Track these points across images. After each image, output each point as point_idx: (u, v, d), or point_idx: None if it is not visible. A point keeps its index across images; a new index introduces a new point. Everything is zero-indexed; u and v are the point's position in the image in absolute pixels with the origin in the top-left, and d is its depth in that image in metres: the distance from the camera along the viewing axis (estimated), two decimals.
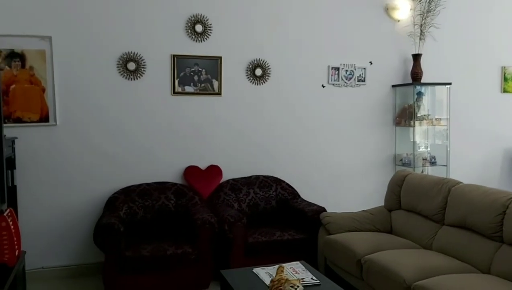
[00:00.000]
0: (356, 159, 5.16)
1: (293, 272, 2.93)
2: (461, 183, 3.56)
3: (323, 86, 4.97)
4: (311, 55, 4.89)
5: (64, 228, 4.25)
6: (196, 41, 4.49)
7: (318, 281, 2.80)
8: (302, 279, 2.81)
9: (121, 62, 4.30)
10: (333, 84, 5.00)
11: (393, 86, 5.21)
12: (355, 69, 5.06)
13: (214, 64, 4.56)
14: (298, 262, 3.13)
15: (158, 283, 3.74)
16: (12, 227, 3.09)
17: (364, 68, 5.09)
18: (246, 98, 4.72)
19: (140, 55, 4.34)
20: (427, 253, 3.31)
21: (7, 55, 4.00)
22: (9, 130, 3.97)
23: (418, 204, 3.77)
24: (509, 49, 5.71)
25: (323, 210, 4.22)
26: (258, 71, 4.71)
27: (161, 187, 4.37)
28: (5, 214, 3.01)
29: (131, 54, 4.32)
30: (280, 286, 2.45)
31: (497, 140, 5.74)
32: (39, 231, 4.18)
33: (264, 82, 4.75)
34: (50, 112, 4.15)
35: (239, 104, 4.70)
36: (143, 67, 4.36)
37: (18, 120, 4.07)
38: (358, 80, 5.09)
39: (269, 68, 4.75)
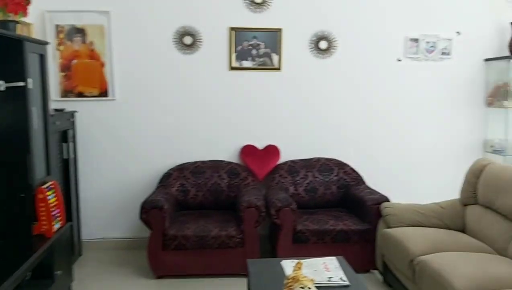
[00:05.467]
0: (437, 143, 4.54)
1: (324, 269, 2.60)
2: None
3: (399, 60, 4.41)
4: (385, 24, 4.34)
5: (122, 201, 4.33)
6: (255, 12, 4.22)
7: (347, 283, 2.44)
8: (330, 278, 2.48)
9: (177, 36, 4.19)
10: (411, 58, 4.41)
11: (486, 60, 4.46)
12: (438, 40, 4.40)
13: (274, 37, 4.26)
14: (334, 257, 2.78)
15: (200, 263, 3.65)
16: (54, 199, 3.17)
17: (450, 40, 4.41)
18: (309, 74, 4.35)
19: (196, 28, 4.20)
20: (497, 260, 2.75)
21: (69, 31, 4.10)
22: (71, 104, 4.12)
23: (497, 200, 3.16)
24: None
25: (386, 199, 3.76)
26: (323, 44, 4.30)
27: (215, 165, 4.24)
28: (45, 186, 3.08)
29: (188, 28, 4.19)
30: (292, 285, 2.16)
31: None
32: (99, 203, 4.31)
33: (330, 56, 4.33)
34: (109, 87, 4.20)
35: (300, 80, 4.35)
36: (199, 41, 4.21)
37: (80, 94, 4.19)
38: (442, 54, 4.42)
39: (335, 41, 4.31)
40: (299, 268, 2.29)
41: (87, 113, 4.19)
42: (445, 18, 4.39)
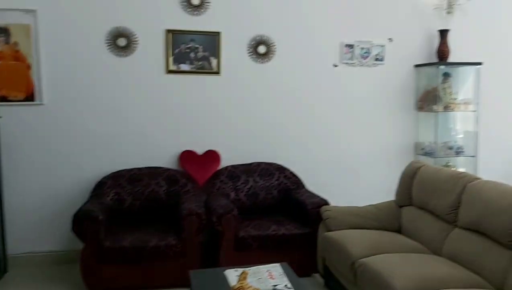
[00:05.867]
0: (372, 147, 4.68)
1: (268, 277, 2.57)
2: (479, 178, 3.05)
3: (335, 65, 4.49)
4: (322, 31, 4.42)
5: (52, 212, 4.06)
6: (193, 14, 4.13)
7: None
8: (275, 286, 2.45)
9: (110, 37, 4.01)
10: (347, 63, 4.51)
11: (416, 66, 4.66)
12: (372, 46, 4.54)
13: (212, 41, 4.19)
14: (278, 264, 2.76)
15: (138, 276, 3.49)
16: None
17: (383, 46, 4.56)
18: (248, 78, 4.33)
19: (131, 30, 4.03)
20: (433, 260, 2.85)
21: None
22: None
23: (430, 201, 3.29)
24: None
25: (325, 203, 3.80)
26: (262, 49, 4.29)
27: (153, 172, 4.08)
28: None
29: (121, 29, 4.01)
30: None
31: None
32: (27, 215, 4.01)
33: (268, 61, 4.33)
34: (36, 91, 3.92)
35: (240, 84, 4.31)
36: (135, 43, 4.05)
37: (4, 98, 3.88)
38: (376, 60, 4.56)
39: (273, 46, 4.32)
40: (244, 278, 2.24)
41: (11, 118, 3.89)
42: (378, 25, 4.53)
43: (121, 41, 4.02)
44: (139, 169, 4.09)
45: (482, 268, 2.65)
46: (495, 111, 4.84)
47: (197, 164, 4.23)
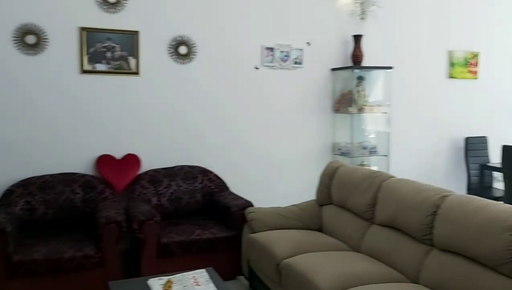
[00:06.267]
0: (292, 148, 4.78)
1: (194, 283, 2.51)
2: (393, 177, 3.23)
3: (256, 68, 4.53)
4: (243, 33, 4.43)
5: None
6: (109, 12, 3.95)
7: None
8: None
9: (18, 34, 3.71)
10: (268, 66, 4.56)
11: (332, 69, 4.83)
12: (291, 50, 4.63)
13: (130, 40, 4.03)
14: (204, 270, 2.71)
15: None
16: None
17: (301, 50, 4.68)
18: (169, 79, 4.22)
19: (40, 27, 3.76)
20: (353, 257, 2.96)
21: None
22: None
23: (348, 200, 3.42)
24: (457, 32, 5.44)
25: (250, 204, 3.81)
26: (183, 49, 4.22)
27: (67, 178, 3.84)
28: None
29: (30, 26, 3.73)
30: None
31: (443, 129, 5.49)
32: None
33: (190, 62, 4.26)
34: None
35: (160, 85, 4.20)
36: (45, 41, 3.79)
37: None
38: (295, 63, 4.67)
39: (194, 47, 4.26)
40: (169, 286, 2.17)
41: None
42: (297, 29, 4.64)
43: (29, 39, 3.74)
44: (52, 175, 3.83)
45: (398, 262, 2.80)
46: (405, 113, 5.17)
47: (116, 169, 4.05)
